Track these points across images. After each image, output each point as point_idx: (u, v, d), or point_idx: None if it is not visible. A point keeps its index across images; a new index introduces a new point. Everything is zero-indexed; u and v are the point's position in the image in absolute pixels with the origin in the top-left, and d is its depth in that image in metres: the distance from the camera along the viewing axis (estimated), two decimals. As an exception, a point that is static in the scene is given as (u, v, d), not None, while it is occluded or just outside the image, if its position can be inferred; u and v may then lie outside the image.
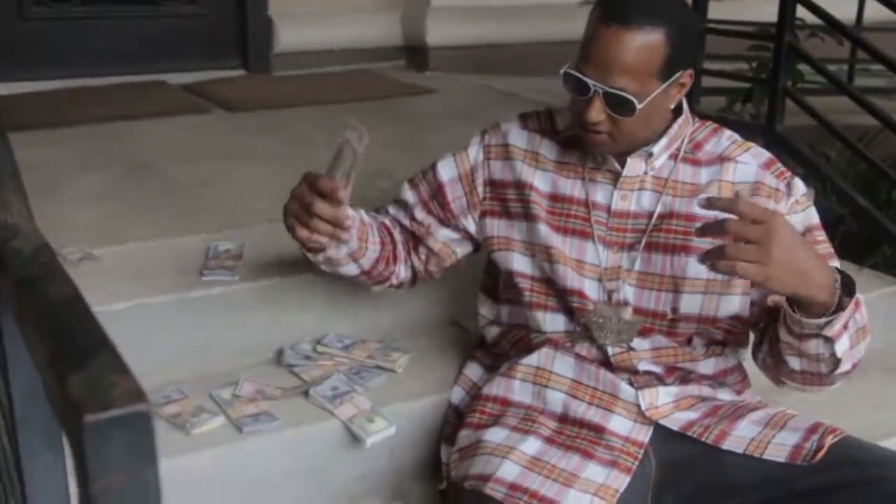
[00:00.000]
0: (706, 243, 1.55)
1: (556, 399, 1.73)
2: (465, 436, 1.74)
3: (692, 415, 1.71)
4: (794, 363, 1.60)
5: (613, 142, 1.64)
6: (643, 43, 1.55)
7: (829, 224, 2.80)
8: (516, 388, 1.76)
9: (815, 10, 2.69)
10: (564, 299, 1.74)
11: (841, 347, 1.52)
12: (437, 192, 1.84)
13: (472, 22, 4.35)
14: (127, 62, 4.03)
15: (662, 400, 1.71)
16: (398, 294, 2.13)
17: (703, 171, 1.71)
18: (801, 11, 2.74)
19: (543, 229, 1.74)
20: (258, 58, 4.26)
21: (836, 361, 1.55)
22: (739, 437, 1.63)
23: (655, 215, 1.69)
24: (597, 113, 1.59)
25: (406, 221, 1.87)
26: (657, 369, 1.72)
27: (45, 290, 0.69)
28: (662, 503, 1.64)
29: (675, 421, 1.69)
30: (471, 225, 1.83)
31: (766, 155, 1.74)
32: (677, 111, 1.70)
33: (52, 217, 2.32)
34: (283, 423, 1.79)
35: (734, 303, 1.69)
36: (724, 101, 3.28)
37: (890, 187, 2.91)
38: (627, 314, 1.70)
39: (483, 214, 1.81)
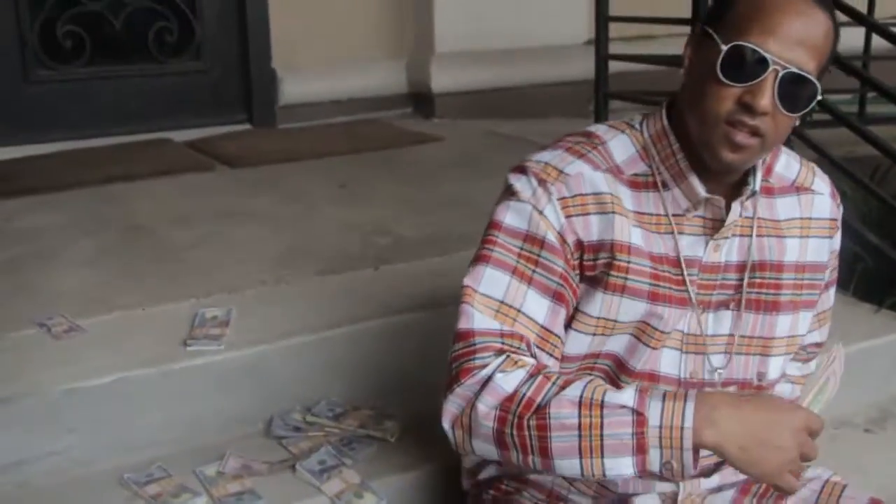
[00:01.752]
0: (793, 295, 1.47)
1: (579, 497, 1.53)
2: None
3: (727, 495, 1.53)
4: None
5: (761, 148, 1.32)
6: (828, 27, 1.30)
7: (846, 262, 2.71)
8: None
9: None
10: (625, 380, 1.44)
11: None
12: (560, 257, 1.38)
13: (477, 67, 4.30)
14: (132, 121, 4.02)
15: (703, 490, 1.51)
16: (392, 357, 2.06)
17: (777, 203, 1.48)
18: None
19: (641, 305, 1.40)
20: (263, 111, 4.24)
21: None
22: None
23: (748, 267, 1.45)
24: (768, 100, 1.27)
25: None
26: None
27: None
28: None
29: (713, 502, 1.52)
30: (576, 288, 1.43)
31: (827, 178, 1.56)
32: None
33: (43, 285, 2.31)
34: (268, 501, 1.71)
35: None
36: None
37: (903, 223, 2.81)
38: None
39: (580, 281, 1.42)
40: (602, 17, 3.29)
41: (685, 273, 1.41)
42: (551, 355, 1.39)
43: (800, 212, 1.49)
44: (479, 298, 1.37)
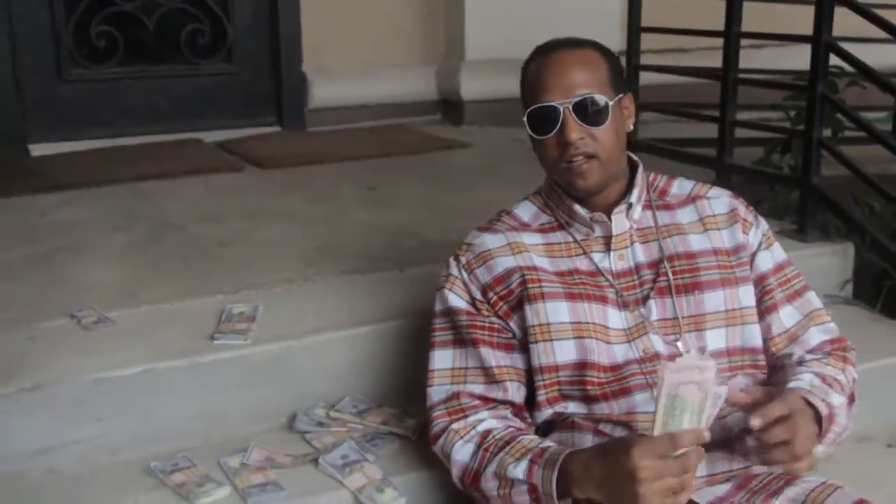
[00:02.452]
0: (715, 275, 1.69)
1: None
2: None
3: (723, 487, 1.61)
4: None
5: (599, 164, 1.64)
6: (585, 57, 1.66)
7: (873, 278, 2.70)
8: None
9: (849, 59, 2.60)
10: (585, 375, 1.65)
11: (820, 453, 1.60)
12: (473, 312, 1.73)
13: (507, 75, 4.27)
14: (164, 121, 4.07)
15: (696, 474, 1.58)
16: (416, 357, 2.08)
17: (678, 213, 1.76)
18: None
19: (562, 304, 1.67)
20: (293, 114, 4.27)
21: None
22: (796, 495, 1.56)
23: (659, 262, 1.70)
24: (575, 130, 1.61)
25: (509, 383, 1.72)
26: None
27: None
28: None
29: (705, 495, 1.59)
30: (511, 327, 1.73)
31: (725, 191, 1.83)
32: (632, 165, 1.75)
33: (75, 279, 2.35)
34: (290, 493, 1.73)
35: (756, 331, 1.72)
36: (761, 153, 3.19)
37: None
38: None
39: (505, 316, 1.72)
40: (634, 28, 3.28)
41: (610, 280, 1.69)
42: (512, 380, 1.70)
43: (698, 215, 1.76)
44: (435, 375, 1.74)
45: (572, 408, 1.68)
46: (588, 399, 1.66)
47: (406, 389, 2.06)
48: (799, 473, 1.55)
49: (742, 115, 3.08)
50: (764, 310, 1.75)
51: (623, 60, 3.53)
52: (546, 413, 1.69)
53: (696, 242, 1.72)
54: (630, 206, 1.70)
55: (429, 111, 4.52)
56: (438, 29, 4.51)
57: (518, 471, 1.55)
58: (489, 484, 1.61)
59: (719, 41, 2.93)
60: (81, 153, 3.74)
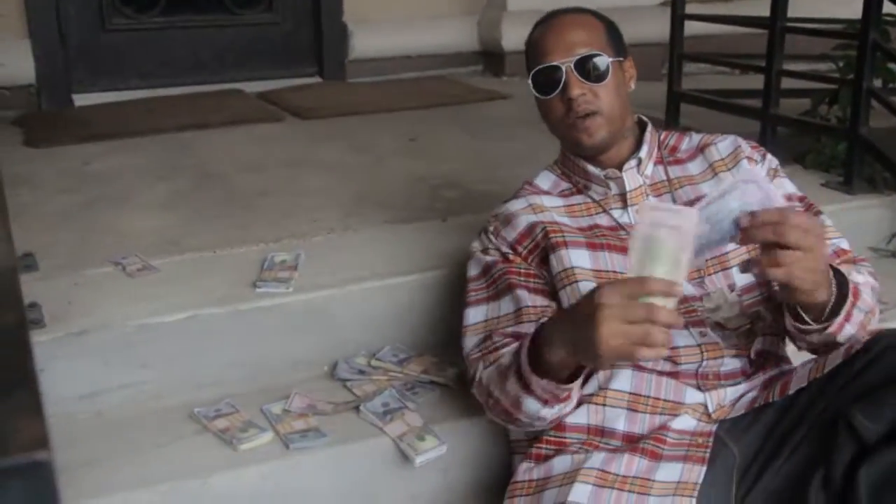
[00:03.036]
0: None
1: (614, 416, 1.65)
2: (525, 468, 1.65)
3: (752, 394, 1.65)
4: (798, 342, 1.65)
5: (603, 120, 1.69)
6: (584, 21, 1.75)
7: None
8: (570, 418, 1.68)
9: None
10: None
11: (844, 336, 1.56)
12: (504, 261, 1.76)
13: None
14: (205, 71, 4.08)
15: (729, 399, 1.64)
16: (457, 306, 2.08)
17: (689, 166, 1.81)
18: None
19: (584, 252, 1.70)
20: (333, 65, 4.26)
21: (840, 344, 1.56)
22: (800, 376, 1.57)
23: None
24: (577, 87, 1.67)
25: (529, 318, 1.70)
26: (738, 364, 1.66)
27: (-13, 318, 0.64)
28: (755, 489, 1.54)
29: (740, 408, 1.62)
30: (543, 274, 1.75)
31: (735, 135, 1.86)
32: (641, 125, 1.80)
33: (119, 227, 2.37)
34: (332, 439, 1.75)
35: None
36: (808, 104, 3.12)
37: None
38: (728, 295, 1.68)
39: (540, 264, 1.74)
40: (679, -23, 3.22)
41: (620, 234, 1.71)
42: (538, 320, 1.66)
43: (707, 162, 1.80)
44: (468, 330, 1.76)
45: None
46: None
47: (447, 339, 2.07)
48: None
49: (788, 66, 3.01)
50: None
51: (668, 10, 3.54)
52: None
53: (708, 188, 1.74)
54: (640, 161, 1.75)
55: (470, 62, 4.49)
56: (480, -22, 4.47)
57: (505, 358, 1.60)
58: (494, 390, 1.60)
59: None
60: (124, 103, 3.76)
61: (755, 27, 3.12)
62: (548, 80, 1.70)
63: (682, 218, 1.32)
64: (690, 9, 3.28)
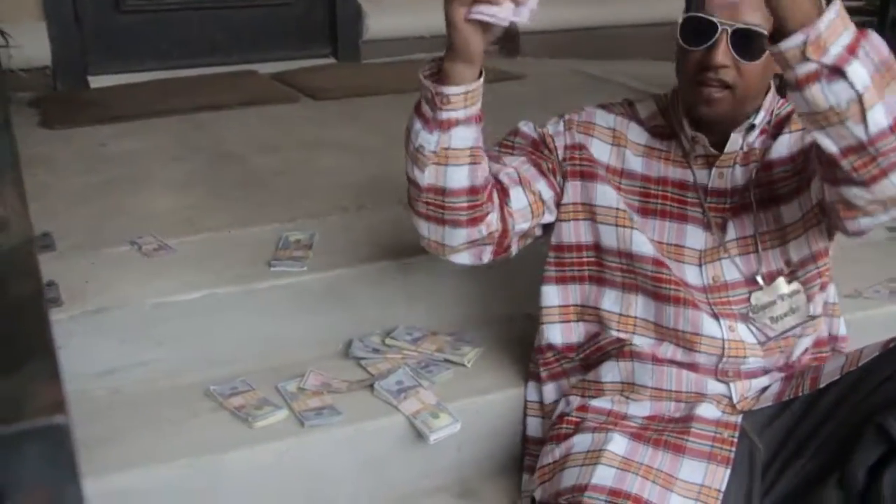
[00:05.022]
0: (793, 184, 1.62)
1: (637, 406, 1.66)
2: (548, 450, 1.66)
3: (777, 386, 1.63)
4: (827, 143, 1.38)
5: (733, 98, 1.53)
6: None
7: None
8: (594, 401, 1.70)
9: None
10: (659, 287, 1.65)
11: (858, 79, 1.29)
12: (532, 145, 1.74)
13: (564, 5, 4.25)
14: (219, 52, 4.07)
15: (754, 390, 1.63)
16: (471, 286, 2.09)
17: (783, 141, 1.66)
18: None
19: (635, 217, 1.67)
20: (347, 46, 4.25)
21: (861, 108, 1.31)
22: (832, 368, 1.54)
23: (752, 187, 1.64)
24: (724, 56, 1.49)
25: (508, 164, 1.71)
26: (763, 363, 1.64)
27: (6, 289, 0.65)
28: (775, 488, 1.54)
29: (766, 399, 1.60)
30: (558, 184, 1.73)
31: None
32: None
33: (136, 207, 2.39)
34: (346, 417, 1.76)
35: (823, 228, 1.65)
36: None
37: None
38: (784, 287, 1.64)
39: (565, 176, 1.72)
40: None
41: (687, 194, 1.66)
42: (518, 186, 1.69)
43: (788, 126, 1.66)
44: None
45: (640, 306, 1.68)
46: (657, 296, 1.65)
47: (461, 317, 2.08)
48: None
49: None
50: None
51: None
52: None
53: (775, 151, 1.65)
54: (752, 127, 1.62)
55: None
56: (494, -42, 4.43)
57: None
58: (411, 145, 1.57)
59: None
60: (139, 84, 3.76)
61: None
62: (697, 32, 1.51)
63: None
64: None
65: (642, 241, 1.66)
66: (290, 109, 3.42)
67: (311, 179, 2.56)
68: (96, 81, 3.83)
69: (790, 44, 1.30)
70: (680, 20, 1.54)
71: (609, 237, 1.69)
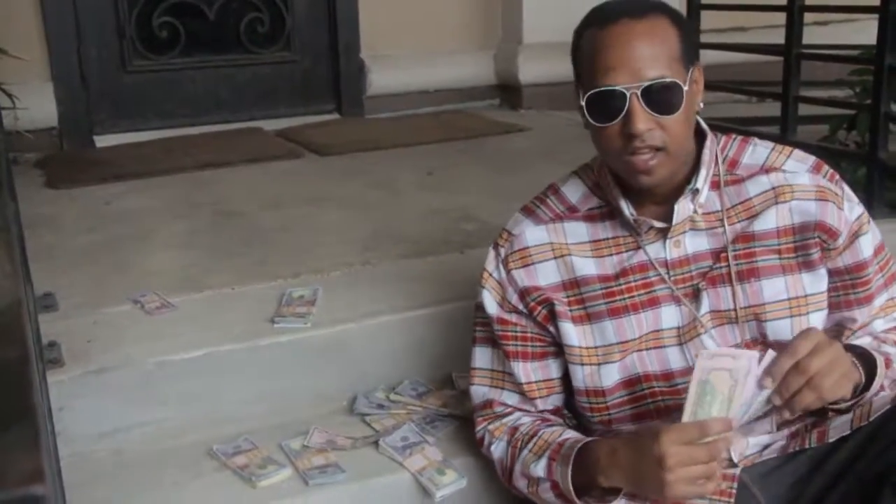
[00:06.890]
0: (775, 260, 1.53)
1: None
2: None
3: (781, 440, 1.56)
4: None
5: (668, 157, 1.45)
6: (654, 28, 1.43)
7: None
8: None
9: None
10: (639, 406, 1.60)
11: (882, 400, 1.49)
12: (503, 327, 1.66)
13: (565, 58, 4.25)
14: (224, 110, 4.12)
15: (753, 447, 1.56)
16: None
17: (748, 185, 1.56)
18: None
19: (608, 324, 1.58)
20: (351, 101, 4.29)
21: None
22: (841, 423, 1.49)
23: (722, 250, 1.55)
24: (643, 120, 1.41)
25: (540, 395, 1.68)
26: (764, 426, 1.56)
27: (-9, 352, 0.64)
28: None
29: (770, 453, 1.55)
30: (550, 335, 1.64)
31: (808, 157, 1.59)
32: (699, 135, 1.56)
33: (138, 265, 2.38)
34: (351, 475, 1.74)
35: (822, 319, 1.59)
36: (826, 130, 3.11)
37: None
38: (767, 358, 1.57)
39: (543, 323, 1.63)
40: (694, 5, 3.23)
41: (662, 273, 1.55)
42: (543, 396, 1.67)
43: (771, 184, 1.55)
44: (476, 374, 1.73)
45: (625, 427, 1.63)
46: (639, 416, 1.61)
47: (465, 371, 2.05)
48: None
49: (805, 93, 3.00)
50: (858, 300, 1.60)
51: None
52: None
53: (760, 222, 1.54)
54: (696, 191, 1.52)
55: (487, 96, 4.51)
56: (496, 13, 4.49)
57: (539, 468, 1.56)
58: (520, 483, 1.62)
59: (780, 19, 2.87)
60: (144, 143, 3.80)
61: (771, 55, 3.11)
62: (606, 107, 1.42)
63: (736, 360, 1.38)
64: (706, 38, 3.29)
65: (609, 373, 1.59)
66: (295, 165, 3.44)
67: (315, 235, 2.56)
68: (102, 141, 3.87)
69: (840, 412, 1.48)
70: (583, 101, 1.45)
71: (577, 377, 1.62)
